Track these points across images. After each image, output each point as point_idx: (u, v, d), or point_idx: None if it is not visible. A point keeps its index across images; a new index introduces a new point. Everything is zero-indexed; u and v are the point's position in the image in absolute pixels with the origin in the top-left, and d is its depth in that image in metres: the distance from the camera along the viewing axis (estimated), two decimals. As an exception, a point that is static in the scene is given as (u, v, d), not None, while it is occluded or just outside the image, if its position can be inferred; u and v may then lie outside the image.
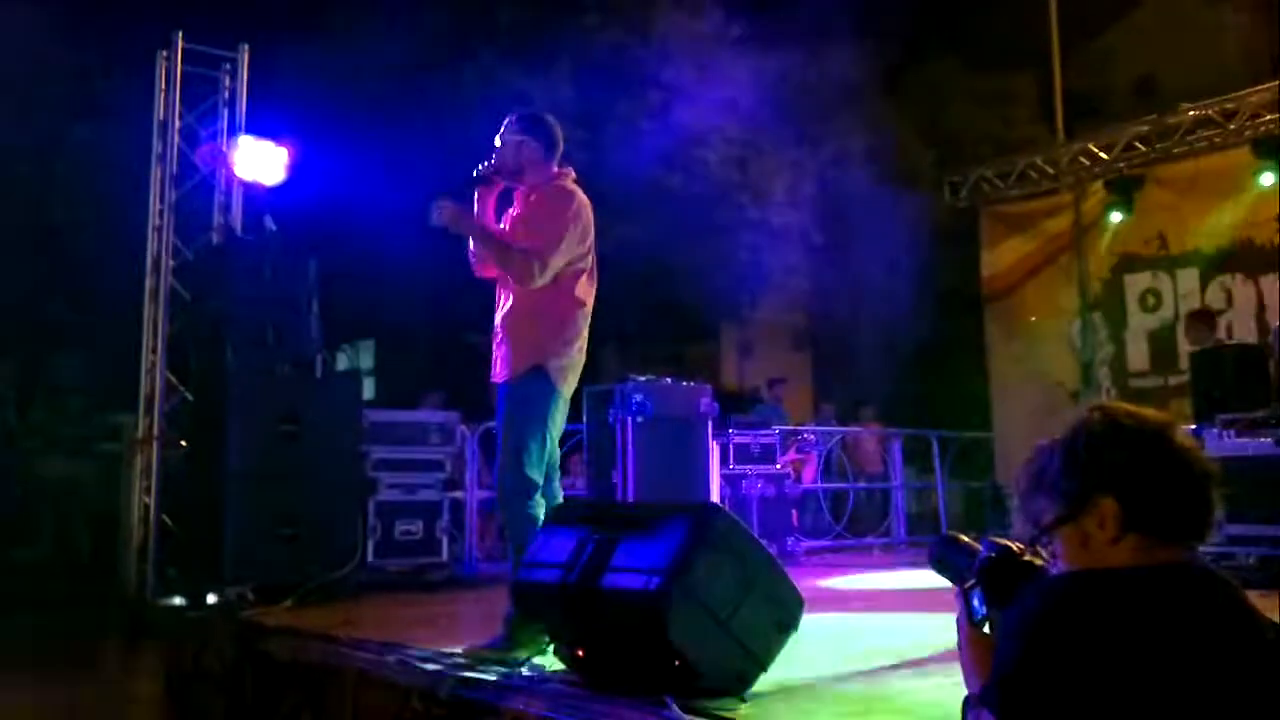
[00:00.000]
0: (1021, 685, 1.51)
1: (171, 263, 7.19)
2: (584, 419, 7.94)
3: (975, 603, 1.88)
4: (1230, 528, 6.14)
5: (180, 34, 7.28)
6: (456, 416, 7.67)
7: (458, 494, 7.54)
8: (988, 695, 1.57)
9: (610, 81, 11.01)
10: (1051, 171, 11.33)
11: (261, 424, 6.28)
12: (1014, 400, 11.33)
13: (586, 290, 4.28)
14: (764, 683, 3.26)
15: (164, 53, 7.30)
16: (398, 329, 13.73)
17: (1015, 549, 1.88)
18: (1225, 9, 13.80)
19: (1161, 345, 10.67)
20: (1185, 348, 9.64)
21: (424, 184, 4.27)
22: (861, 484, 11.03)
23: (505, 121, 4.38)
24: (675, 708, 2.93)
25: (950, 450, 10.80)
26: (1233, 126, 9.91)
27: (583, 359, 4.31)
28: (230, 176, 7.42)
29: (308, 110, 9.28)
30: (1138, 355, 10.89)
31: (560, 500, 4.31)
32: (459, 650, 3.92)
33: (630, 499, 7.21)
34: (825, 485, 10.41)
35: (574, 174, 4.39)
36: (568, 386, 4.24)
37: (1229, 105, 9.92)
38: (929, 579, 2.01)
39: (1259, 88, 9.71)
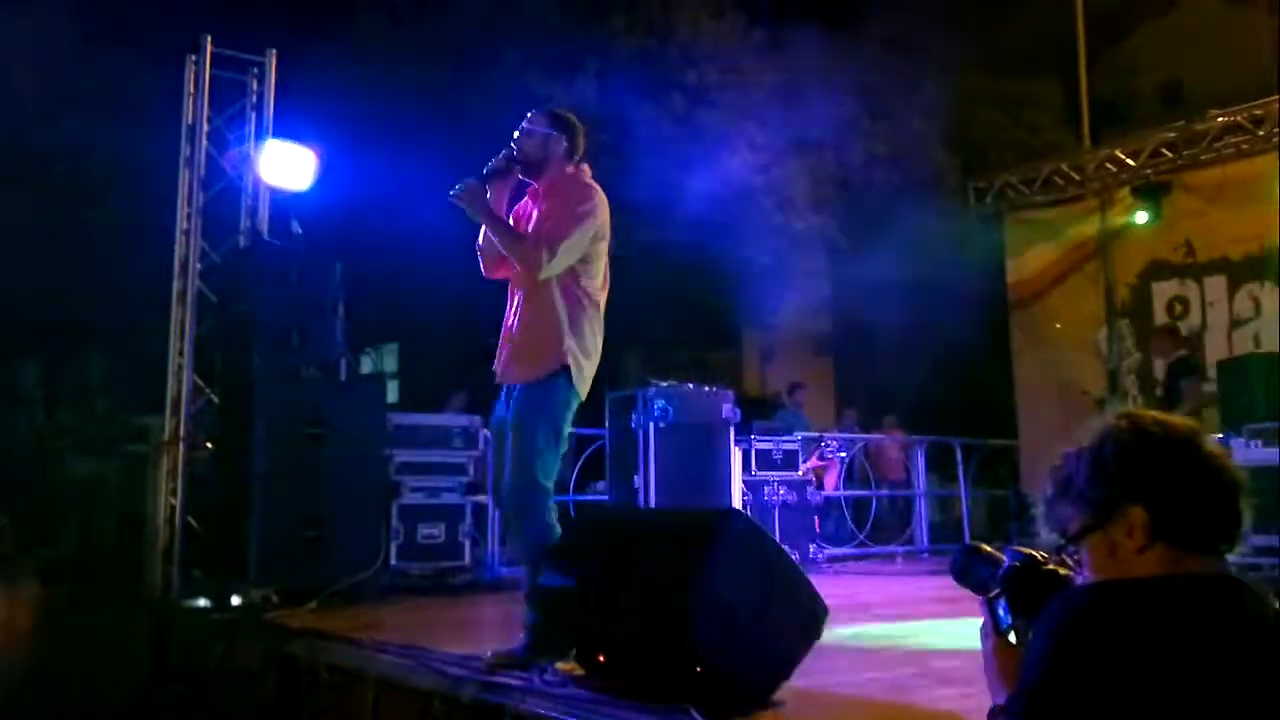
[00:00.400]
0: (1049, 696, 1.50)
1: (199, 266, 7.24)
2: (606, 424, 7.96)
3: (1000, 612, 1.87)
4: (1256, 538, 6.08)
5: (209, 38, 7.33)
6: (479, 420, 7.69)
7: (480, 497, 7.57)
8: (1015, 705, 1.56)
9: (635, 86, 11.02)
10: (1077, 178, 11.27)
11: (286, 426, 6.32)
12: (1039, 408, 11.26)
13: (601, 292, 4.25)
14: (787, 690, 3.25)
15: (193, 57, 7.35)
16: (421, 332, 13.80)
17: (1039, 558, 1.87)
18: (1253, 13, 13.67)
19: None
20: (1211, 355, 9.57)
21: (449, 188, 4.26)
22: (884, 491, 10.98)
23: (529, 115, 4.33)
24: (698, 715, 2.93)
25: (974, 458, 10.74)
26: (1261, 132, 9.83)
27: (598, 360, 4.25)
28: (257, 180, 7.47)
29: (335, 114, 9.34)
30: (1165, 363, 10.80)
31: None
32: (482, 655, 3.92)
33: (652, 504, 7.21)
34: (848, 492, 10.37)
35: (590, 173, 4.37)
36: (585, 390, 4.21)
37: (1257, 111, 9.84)
38: (952, 587, 2.01)
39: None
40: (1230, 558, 1.64)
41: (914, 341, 12.03)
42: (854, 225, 12.39)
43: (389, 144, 10.35)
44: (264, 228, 7.49)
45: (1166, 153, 10.52)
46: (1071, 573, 1.79)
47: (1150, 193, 10.65)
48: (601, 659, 3.51)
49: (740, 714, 3.02)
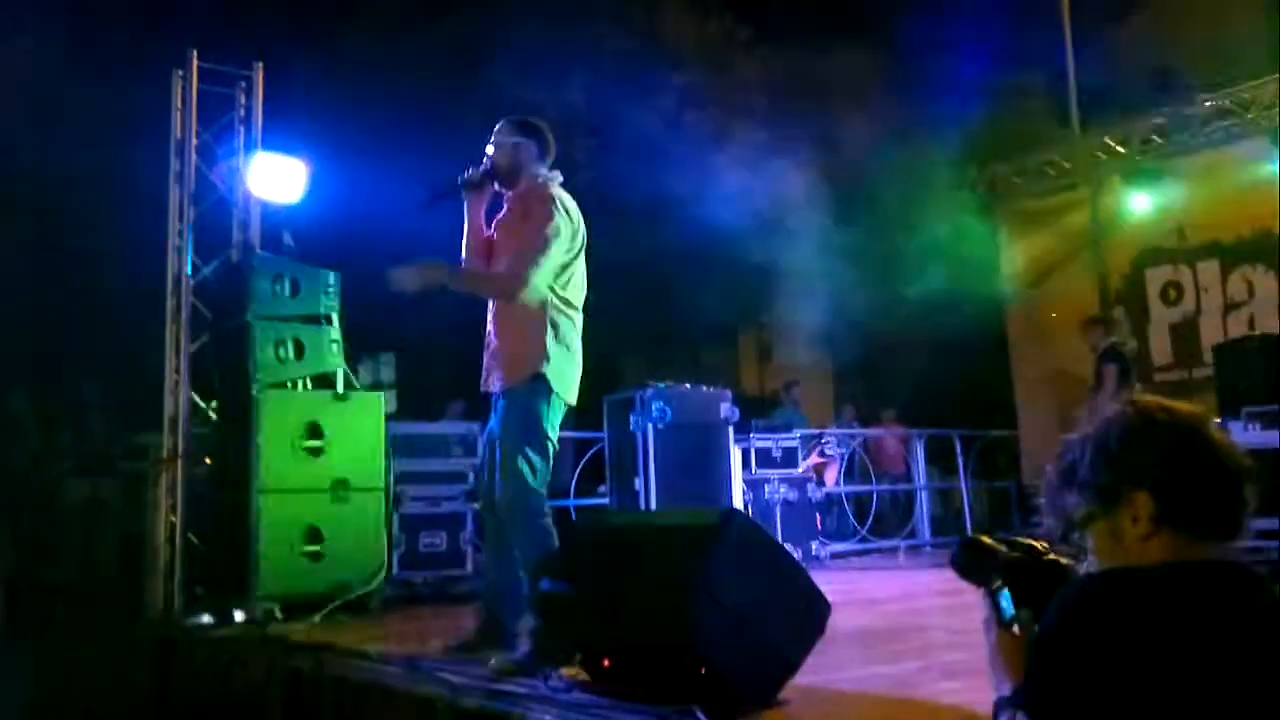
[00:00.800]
0: (1056, 684, 1.50)
1: (191, 281, 7.23)
2: (604, 427, 7.95)
3: (1003, 603, 1.87)
4: (1256, 521, 6.07)
5: (195, 52, 7.32)
6: (478, 428, 7.68)
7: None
8: (1022, 695, 1.56)
9: (624, 90, 11.02)
10: (1068, 166, 11.29)
11: (285, 440, 6.32)
12: (1038, 398, 11.27)
13: (577, 293, 4.28)
14: (792, 688, 3.25)
15: (179, 71, 7.35)
16: (419, 342, 13.78)
17: (1040, 548, 1.87)
18: (1241, -3, 13.68)
19: (1184, 338, 10.60)
20: (1206, 340, 9.59)
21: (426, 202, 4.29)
22: (884, 486, 10.98)
23: (498, 126, 4.37)
24: (703, 716, 2.92)
25: (974, 450, 10.74)
26: (1250, 116, 9.85)
27: (580, 361, 4.28)
28: (248, 194, 7.46)
29: (325, 125, 9.32)
30: (1161, 349, 10.82)
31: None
32: (486, 663, 3.92)
33: (653, 505, 7.21)
34: (848, 488, 10.37)
35: (562, 178, 4.38)
36: (570, 392, 4.23)
37: (1246, 95, 9.85)
38: (954, 580, 2.00)
39: (1276, 75, 9.64)
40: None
41: (911, 335, 12.02)
42: (848, 221, 12.39)
43: (381, 153, 10.33)
44: (256, 241, 7.48)
45: (1156, 139, 10.54)
46: (1074, 562, 1.78)
47: (1141, 179, 10.66)
48: (606, 664, 3.51)
49: (745, 714, 3.02)
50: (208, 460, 7.00)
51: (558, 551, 4.02)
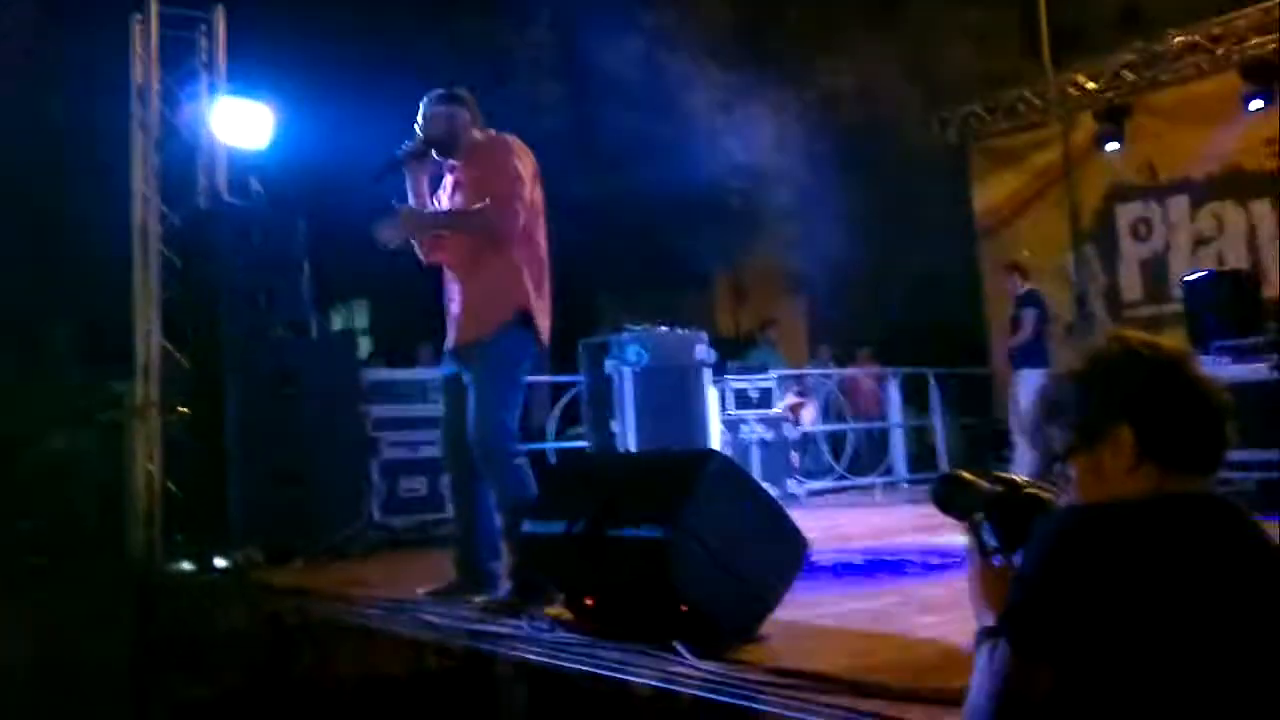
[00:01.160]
0: (1038, 615, 1.52)
1: (159, 229, 7.14)
2: (580, 370, 7.96)
3: (985, 536, 1.89)
4: (1231, 454, 6.17)
5: (153, -5, 7.17)
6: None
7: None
8: (1004, 625, 1.58)
9: (594, 31, 10.89)
10: (1039, 104, 11.28)
11: (259, 387, 6.30)
12: (1010, 335, 11.34)
13: (541, 236, 4.35)
14: (771, 623, 3.30)
15: (138, 15, 7.20)
16: (391, 287, 13.67)
17: (1020, 482, 1.89)
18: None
19: (1154, 274, 10.69)
20: (1175, 275, 9.68)
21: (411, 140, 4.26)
22: (860, 424, 11.07)
23: (423, 102, 4.41)
24: (685, 651, 2.97)
25: (948, 388, 10.83)
26: (1220, 51, 9.86)
27: (549, 302, 4.35)
28: (213, 140, 7.35)
29: (291, 68, 9.17)
30: (1131, 285, 10.91)
31: None
32: (468, 605, 3.96)
33: (631, 448, 7.25)
34: (824, 427, 10.45)
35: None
36: (544, 332, 4.29)
37: (1216, 30, 9.85)
38: (930, 516, 2.03)
39: (1245, 10, 9.63)
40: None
41: (885, 275, 12.05)
42: (819, 161, 12.35)
43: (350, 96, 10.17)
44: (223, 187, 7.38)
45: (1127, 75, 10.54)
46: (1054, 496, 1.81)
47: (1112, 116, 10.66)
48: (588, 603, 3.55)
49: (726, 648, 3.07)
50: (183, 409, 6.97)
51: (538, 493, 4.06)
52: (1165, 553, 1.50)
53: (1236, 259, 9.85)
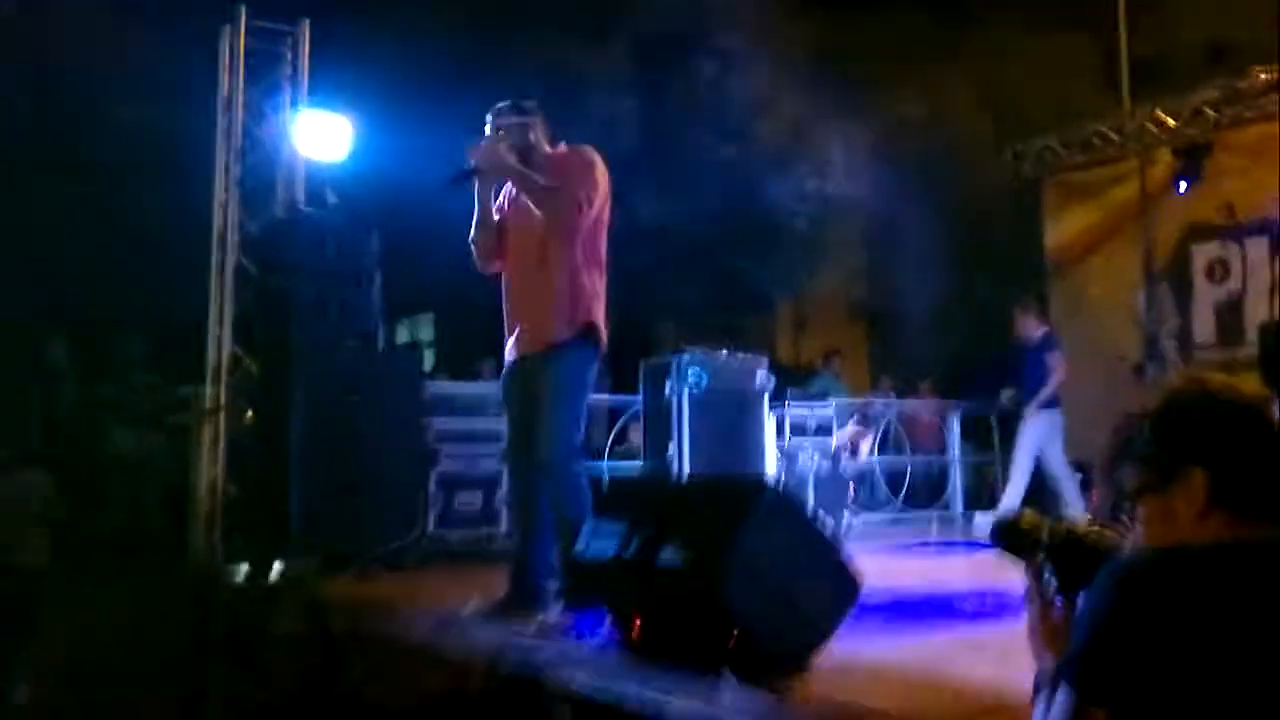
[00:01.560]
0: (1102, 660, 1.50)
1: (237, 238, 7.31)
2: (640, 392, 7.98)
3: (1047, 576, 1.87)
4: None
5: (243, 9, 7.36)
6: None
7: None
8: (1066, 669, 1.56)
9: (666, 53, 10.96)
10: (1117, 139, 11.10)
11: (325, 395, 6.40)
12: (1077, 373, 11.15)
13: (604, 249, 4.39)
14: (821, 658, 3.27)
15: (227, 28, 7.39)
16: (456, 302, 13.83)
17: (1084, 526, 1.87)
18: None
19: (1229, 316, 10.45)
20: (1251, 319, 9.45)
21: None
22: (919, 458, 10.94)
23: (493, 115, 4.42)
24: (733, 679, 2.96)
25: (1010, 425, 10.65)
26: (1306, 90, 9.63)
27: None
28: (293, 151, 7.51)
29: (370, 83, 9.35)
30: (1204, 327, 10.67)
31: None
32: (518, 624, 3.98)
33: (686, 472, 7.24)
34: (882, 459, 10.35)
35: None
36: (604, 344, 4.34)
37: (1301, 68, 9.63)
38: (986, 555, 2.01)
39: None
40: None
41: (950, 308, 11.93)
42: (889, 190, 12.28)
43: (425, 112, 10.33)
44: (301, 198, 7.54)
45: (1209, 111, 10.33)
46: (1118, 541, 1.78)
47: (1191, 153, 10.45)
48: (637, 627, 3.55)
49: (775, 679, 3.05)
50: (249, 414, 7.10)
51: (592, 514, 4.07)
52: (1233, 601, 1.48)
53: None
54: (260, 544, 6.41)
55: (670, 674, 3.13)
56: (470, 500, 7.21)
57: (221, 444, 6.92)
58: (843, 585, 3.37)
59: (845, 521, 8.63)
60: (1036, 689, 1.72)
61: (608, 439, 8.70)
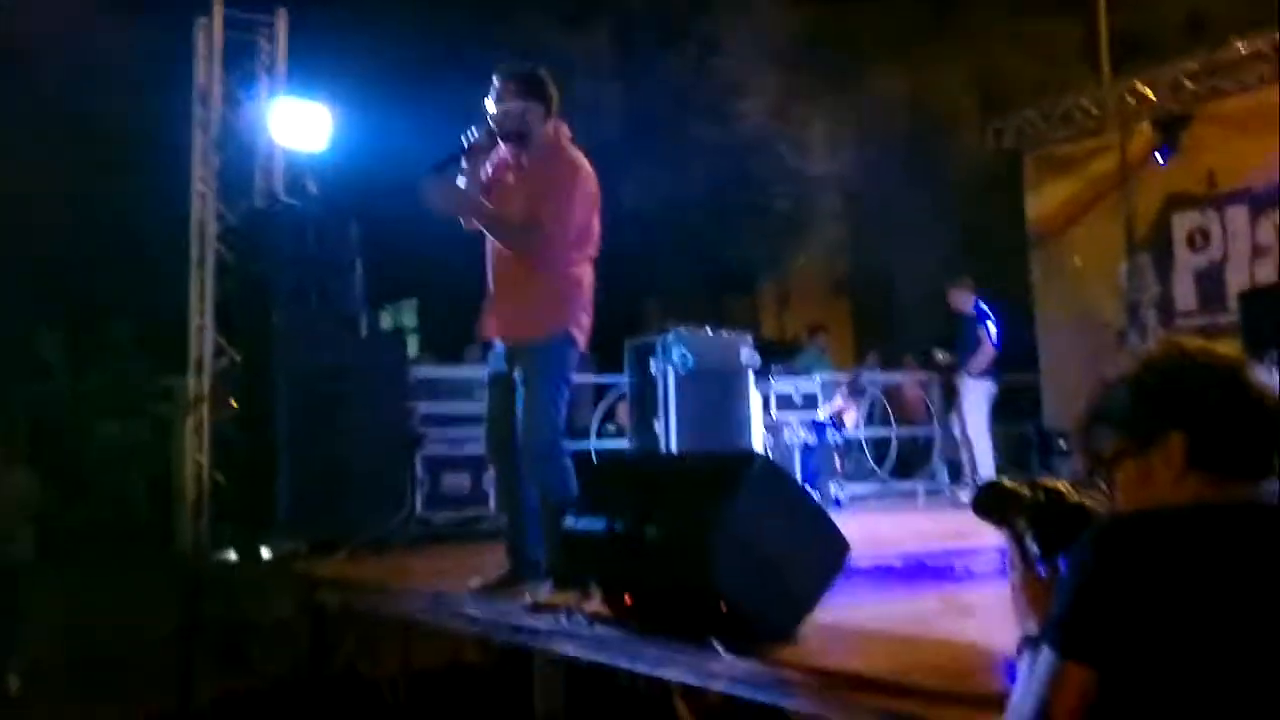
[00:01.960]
0: (1084, 623, 1.51)
1: (216, 228, 7.28)
2: (625, 371, 7.99)
3: (1029, 543, 1.89)
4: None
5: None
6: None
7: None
8: (1048, 631, 1.57)
9: (649, 36, 10.94)
10: (1097, 112, 11.11)
11: (308, 383, 6.40)
12: (1060, 343, 11.19)
13: (593, 248, 4.39)
14: (809, 625, 3.29)
15: (203, 19, 7.35)
16: (439, 287, 13.81)
17: (1064, 490, 1.89)
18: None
19: (1210, 284, 10.50)
20: (1231, 286, 9.51)
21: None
22: (904, 430, 10.98)
23: (497, 82, 4.27)
24: (722, 649, 2.98)
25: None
26: (1284, 59, 9.65)
27: (592, 310, 4.42)
28: (271, 141, 7.48)
29: (349, 72, 9.31)
30: (1185, 294, 10.72)
31: None
32: (509, 599, 3.99)
33: (674, 449, 7.26)
34: (867, 432, 10.39)
35: (568, 131, 4.38)
36: (584, 341, 4.39)
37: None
38: (972, 522, 2.02)
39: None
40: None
41: (933, 281, 11.97)
42: (871, 167, 12.30)
43: (405, 100, 10.30)
44: (280, 188, 7.51)
45: (1188, 84, 10.35)
46: (1099, 504, 1.80)
47: (1171, 125, 10.48)
48: (627, 600, 3.57)
49: (764, 649, 3.07)
50: (233, 402, 7.10)
51: (581, 490, 4.09)
52: (1213, 561, 1.49)
53: (1295, 271, 9.64)
54: (247, 531, 6.41)
55: (660, 645, 3.15)
56: (457, 482, 7.23)
57: (206, 432, 6.91)
58: (830, 553, 3.39)
59: (832, 493, 8.68)
60: (1020, 651, 1.73)
61: (594, 418, 8.71)
